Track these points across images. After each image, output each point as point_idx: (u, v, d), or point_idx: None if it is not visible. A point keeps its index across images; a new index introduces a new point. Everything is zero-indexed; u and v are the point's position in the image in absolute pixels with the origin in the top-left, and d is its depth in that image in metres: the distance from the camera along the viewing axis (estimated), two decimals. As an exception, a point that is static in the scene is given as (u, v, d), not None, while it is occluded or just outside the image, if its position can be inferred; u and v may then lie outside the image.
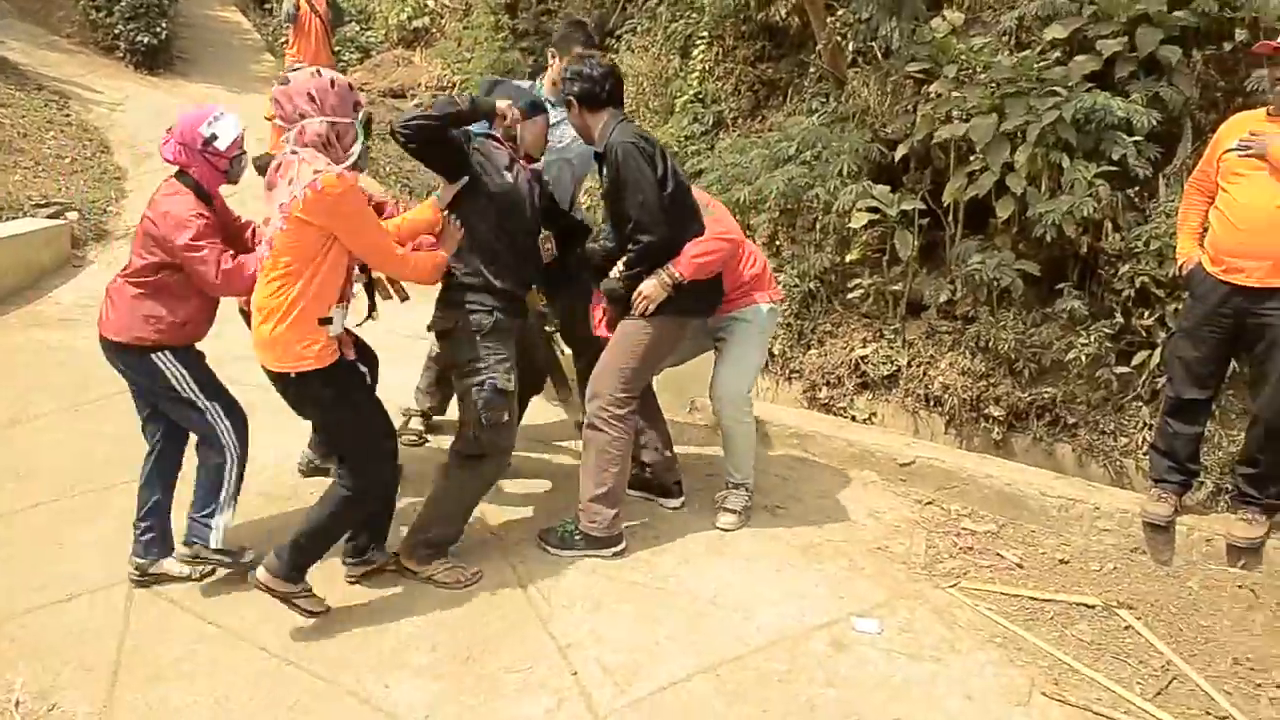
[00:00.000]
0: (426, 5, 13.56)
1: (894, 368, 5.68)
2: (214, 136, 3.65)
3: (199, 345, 3.98)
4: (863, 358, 5.80)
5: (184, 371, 3.81)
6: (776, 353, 6.20)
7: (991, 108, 5.32)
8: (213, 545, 3.90)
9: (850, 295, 5.96)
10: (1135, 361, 4.98)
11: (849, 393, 5.84)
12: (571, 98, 3.94)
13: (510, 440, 3.93)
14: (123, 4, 11.81)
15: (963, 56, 5.59)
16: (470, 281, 3.86)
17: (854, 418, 5.73)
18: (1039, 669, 3.47)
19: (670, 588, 3.86)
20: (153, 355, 3.75)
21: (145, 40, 11.96)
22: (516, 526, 4.32)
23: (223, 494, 3.91)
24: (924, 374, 5.56)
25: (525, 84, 4.64)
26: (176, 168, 3.73)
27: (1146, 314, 5.00)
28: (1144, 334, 5.01)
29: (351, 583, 3.89)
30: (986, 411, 5.33)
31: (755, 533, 4.31)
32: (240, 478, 3.96)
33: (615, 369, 4.00)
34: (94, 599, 3.83)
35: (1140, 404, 4.99)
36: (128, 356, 3.78)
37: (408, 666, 3.43)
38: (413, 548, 3.91)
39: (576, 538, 4.09)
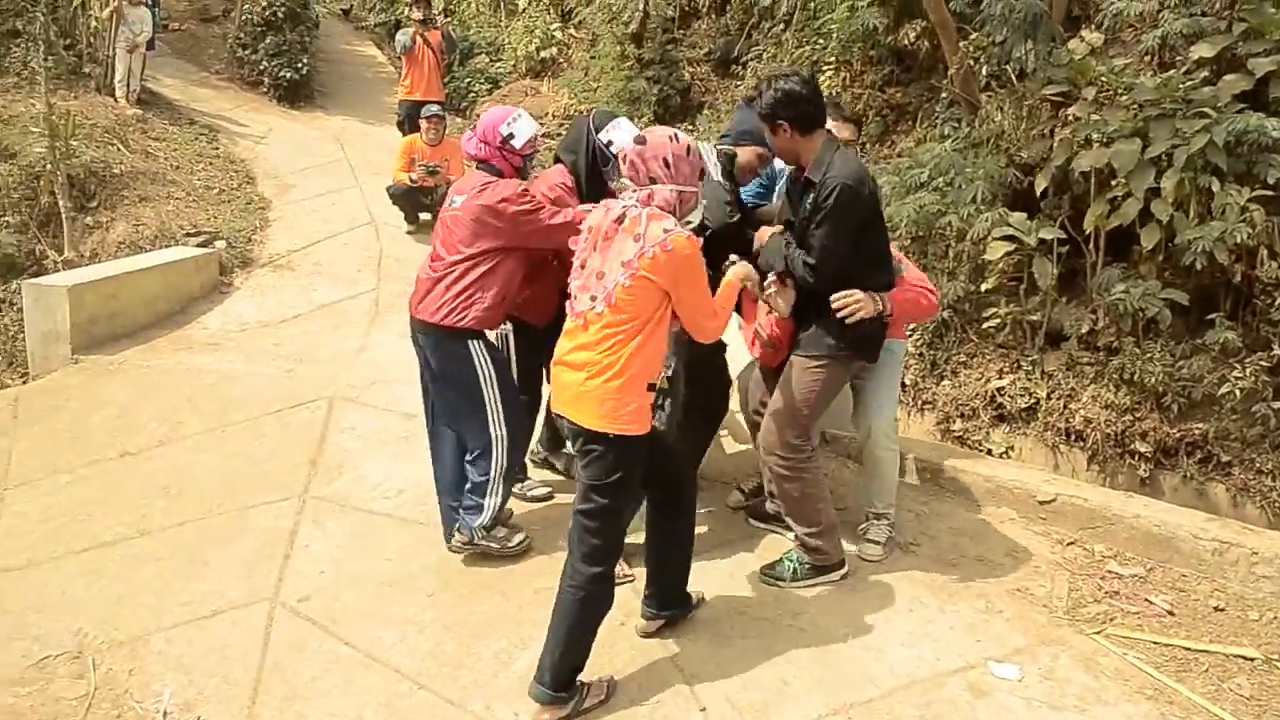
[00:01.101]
0: (554, 36, 13.80)
1: (1032, 400, 5.48)
2: (511, 135, 4.04)
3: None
4: (999, 389, 5.61)
5: (489, 361, 4.09)
6: (908, 383, 6.06)
7: (1134, 131, 5.10)
8: (479, 540, 4.22)
9: (985, 325, 5.77)
10: (1295, 397, 4.69)
11: (984, 425, 5.65)
12: (784, 122, 3.73)
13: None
14: (267, 42, 12.46)
15: (1103, 78, 5.39)
16: None
17: (990, 451, 5.54)
18: (1194, 725, 3.28)
19: (800, 624, 3.78)
20: (468, 342, 4.03)
21: (288, 75, 12.56)
22: (640, 556, 4.27)
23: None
24: (1064, 407, 5.34)
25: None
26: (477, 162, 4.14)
27: (1308, 347, 4.71)
28: (1306, 368, 4.72)
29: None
30: (1132, 447, 5.08)
31: (888, 570, 4.19)
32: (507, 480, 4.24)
33: (785, 416, 3.94)
34: (236, 616, 3.98)
35: (1301, 442, 4.69)
36: (440, 340, 4.08)
37: (535, 695, 3.45)
38: None
39: (806, 567, 4.07)
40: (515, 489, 4.74)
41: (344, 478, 5.08)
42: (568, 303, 3.37)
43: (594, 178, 4.31)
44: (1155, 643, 3.72)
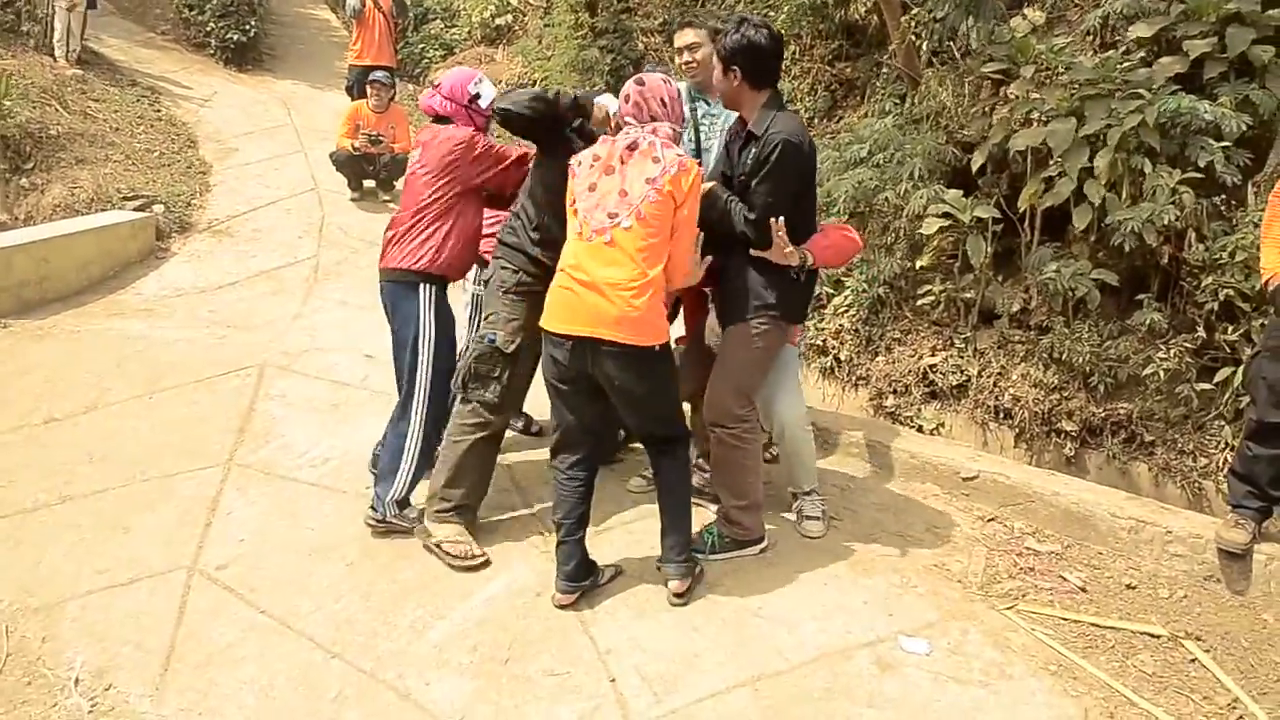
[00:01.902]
0: (510, 3, 13.62)
1: (963, 378, 5.51)
2: (478, 95, 4.14)
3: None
4: (931, 366, 5.63)
5: (433, 317, 4.11)
6: (843, 359, 6.08)
7: (1070, 111, 5.12)
8: (390, 516, 4.19)
9: (920, 302, 5.79)
10: (1218, 378, 4.73)
11: (916, 402, 5.68)
12: (736, 68, 3.73)
13: (497, 399, 3.96)
14: (214, 3, 12.20)
15: (1042, 57, 5.39)
16: (509, 240, 4.02)
17: (921, 428, 5.57)
18: (1094, 700, 3.30)
19: (715, 597, 3.78)
20: (419, 285, 4.08)
21: (235, 37, 12.31)
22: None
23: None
24: (994, 385, 5.38)
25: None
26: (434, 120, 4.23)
27: (1231, 329, 4.74)
28: (1228, 350, 4.76)
29: None
30: (1059, 426, 5.12)
31: (807, 544, 4.20)
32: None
33: (729, 386, 3.92)
34: (153, 583, 3.93)
35: (1223, 423, 4.74)
36: (392, 286, 4.15)
37: (448, 664, 3.45)
38: (429, 503, 4.02)
39: (726, 540, 4.07)
40: None
41: (270, 445, 5.02)
42: (575, 223, 3.52)
43: None
44: (1065, 619, 3.76)
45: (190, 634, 3.64)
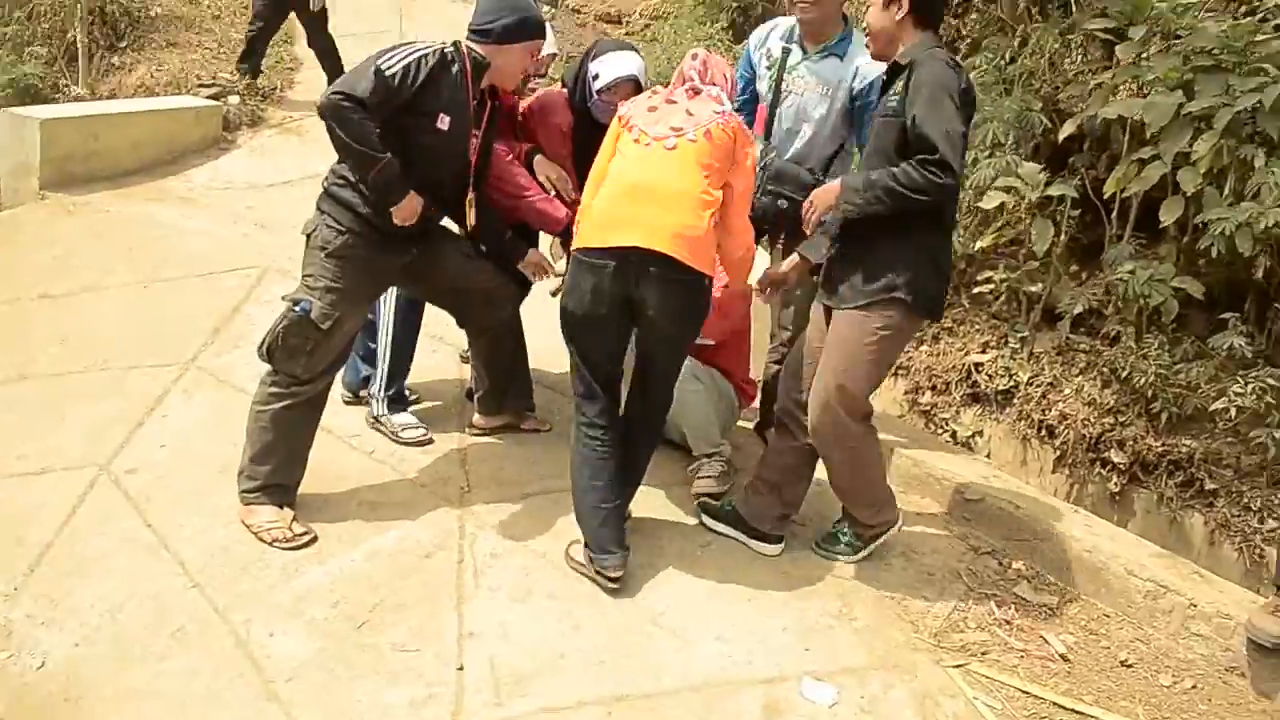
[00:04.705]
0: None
1: (1011, 383, 4.75)
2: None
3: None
4: (977, 365, 4.89)
5: None
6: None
7: (1180, 83, 4.25)
8: (378, 413, 4.13)
9: (978, 289, 5.03)
10: (1307, 427, 3.87)
11: (955, 404, 4.95)
12: None
13: (306, 374, 3.42)
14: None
15: (1161, 17, 4.48)
16: (339, 194, 3.44)
17: (954, 434, 4.86)
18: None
19: (615, 593, 3.26)
20: None
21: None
22: (491, 486, 3.83)
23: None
24: (1043, 397, 4.61)
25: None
26: None
27: (1331, 369, 3.87)
28: (1324, 394, 3.88)
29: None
30: (1106, 455, 4.34)
31: (747, 548, 3.60)
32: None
33: (833, 384, 3.22)
34: (61, 477, 3.76)
35: (1303, 480, 3.89)
36: None
37: (301, 618, 3.11)
38: (238, 480, 3.52)
39: (844, 538, 3.60)
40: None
41: (236, 351, 4.73)
42: (631, 135, 3.24)
43: (584, 116, 3.98)
44: (1023, 691, 3.05)
45: (71, 535, 3.45)
